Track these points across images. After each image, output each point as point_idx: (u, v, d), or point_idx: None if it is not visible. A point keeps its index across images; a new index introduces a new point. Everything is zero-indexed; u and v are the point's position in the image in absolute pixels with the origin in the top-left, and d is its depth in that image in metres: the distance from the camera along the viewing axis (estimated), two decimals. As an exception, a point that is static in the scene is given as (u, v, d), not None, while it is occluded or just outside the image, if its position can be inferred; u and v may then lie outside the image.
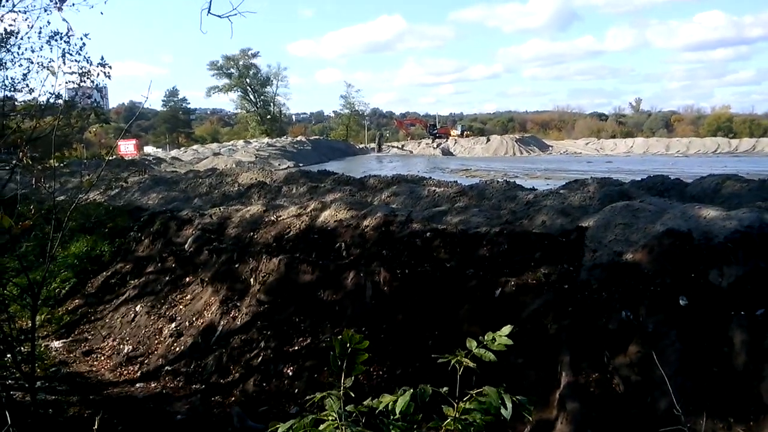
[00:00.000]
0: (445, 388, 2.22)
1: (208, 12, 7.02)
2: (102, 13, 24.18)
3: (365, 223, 11.00)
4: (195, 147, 72.30)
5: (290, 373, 8.94)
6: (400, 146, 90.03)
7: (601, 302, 7.79)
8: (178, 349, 10.54)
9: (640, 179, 13.67)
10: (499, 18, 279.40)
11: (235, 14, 6.82)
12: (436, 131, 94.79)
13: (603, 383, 7.11)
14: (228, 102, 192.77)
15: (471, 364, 2.19)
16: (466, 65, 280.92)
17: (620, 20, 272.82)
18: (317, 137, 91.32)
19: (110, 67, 11.81)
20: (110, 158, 8.65)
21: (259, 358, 9.43)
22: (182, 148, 74.80)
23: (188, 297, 11.88)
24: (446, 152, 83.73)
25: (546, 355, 7.53)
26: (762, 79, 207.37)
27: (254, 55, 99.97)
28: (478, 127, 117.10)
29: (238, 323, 10.22)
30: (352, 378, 2.30)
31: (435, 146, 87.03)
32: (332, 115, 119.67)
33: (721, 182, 11.49)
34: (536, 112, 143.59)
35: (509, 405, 2.12)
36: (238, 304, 10.66)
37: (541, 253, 8.96)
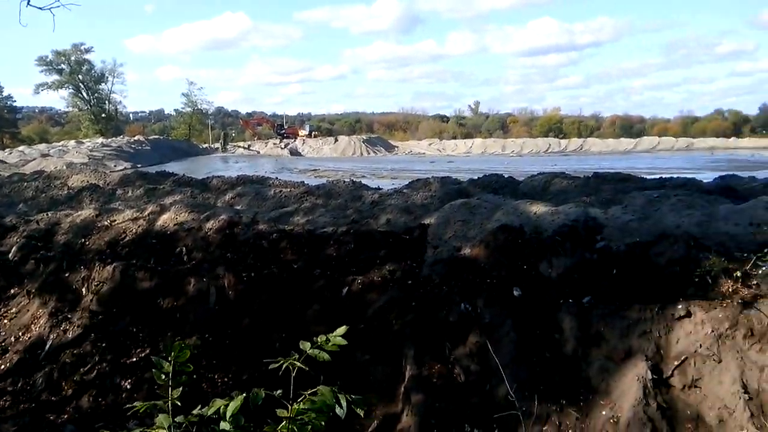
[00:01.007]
0: (278, 391, 2.17)
1: (28, 3, 6.50)
2: None
3: (208, 225, 10.63)
4: (21, 148, 66.38)
5: (128, 387, 8.44)
6: (246, 146, 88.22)
7: (442, 296, 8.06)
8: (2, 366, 9.62)
9: (477, 178, 14.37)
10: (346, 19, 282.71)
11: (58, 6, 6.36)
12: (283, 131, 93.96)
13: (445, 374, 7.36)
14: (59, 100, 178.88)
15: (303, 367, 2.15)
16: (312, 65, 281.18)
17: (461, 25, 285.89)
18: (157, 137, 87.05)
19: None
20: None
21: (94, 373, 8.81)
22: (7, 150, 68.47)
23: (13, 311, 10.86)
24: (294, 152, 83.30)
25: (391, 351, 7.68)
26: (590, 83, 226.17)
27: (87, 50, 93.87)
28: (326, 127, 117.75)
29: (70, 336, 9.48)
30: (180, 389, 2.18)
31: (283, 146, 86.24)
32: (173, 113, 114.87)
33: (550, 179, 12.35)
34: (382, 114, 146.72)
35: (344, 403, 2.10)
36: (70, 315, 9.89)
37: (386, 250, 9.13)
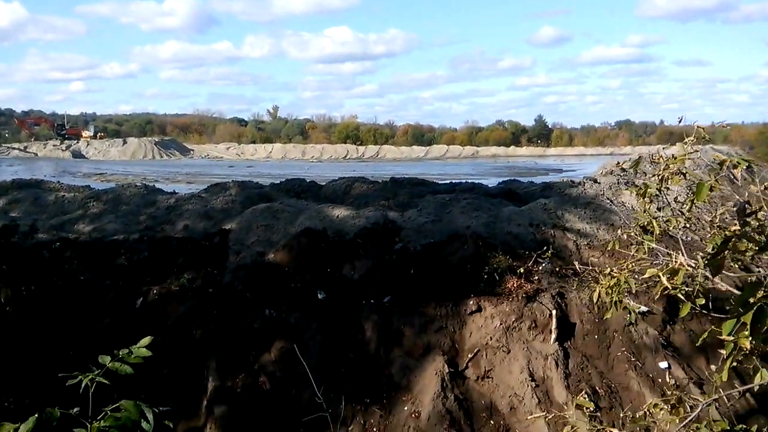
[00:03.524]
0: (75, 409, 1.93)
1: None
2: None
3: (-24, 235, 9.42)
4: None
5: None
6: (22, 148, 79.98)
7: (246, 303, 7.87)
8: None
9: (279, 182, 14.27)
10: (135, 15, 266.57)
11: None
12: (65, 132, 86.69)
13: (250, 383, 7.17)
14: None
15: (104, 381, 1.94)
16: (98, 62, 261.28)
17: (258, 29, 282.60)
18: None
19: None
20: None
21: None
22: None
23: None
24: (78, 155, 77.13)
25: (194, 362, 7.33)
26: (384, 92, 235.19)
27: None
28: (114, 128, 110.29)
29: None
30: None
31: (64, 148, 79.48)
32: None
33: (350, 184, 12.60)
34: (176, 115, 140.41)
35: (150, 417, 1.93)
36: None
37: (185, 258, 8.72)
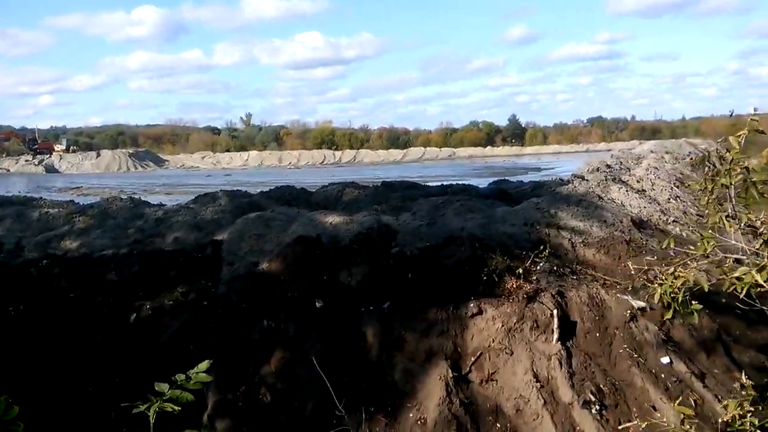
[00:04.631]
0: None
1: None
2: None
3: (-42, 255, 9.18)
4: None
5: None
6: (-7, 164, 78.76)
7: (243, 314, 7.74)
8: None
9: (269, 190, 14.11)
10: (102, 26, 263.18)
11: None
12: (36, 146, 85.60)
13: (251, 396, 7.06)
14: None
15: (172, 407, 1.86)
16: (67, 75, 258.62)
17: (228, 36, 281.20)
18: None
19: None
20: None
21: None
22: None
23: None
24: (51, 169, 76.13)
25: (192, 378, 7.20)
26: (357, 96, 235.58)
27: None
28: (85, 141, 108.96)
29: None
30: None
31: (37, 163, 78.43)
32: None
33: (342, 190, 12.53)
34: (148, 126, 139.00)
35: None
36: None
37: (177, 270, 8.58)
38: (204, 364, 1.98)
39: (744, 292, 2.71)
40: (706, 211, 3.22)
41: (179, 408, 1.89)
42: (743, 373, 3.58)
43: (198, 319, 7.76)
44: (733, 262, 2.99)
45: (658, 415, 6.34)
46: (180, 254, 8.90)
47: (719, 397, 6.49)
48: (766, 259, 2.66)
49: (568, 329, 7.13)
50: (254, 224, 9.19)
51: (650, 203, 11.62)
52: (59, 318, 7.92)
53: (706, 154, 3.23)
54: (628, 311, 7.23)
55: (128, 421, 7.32)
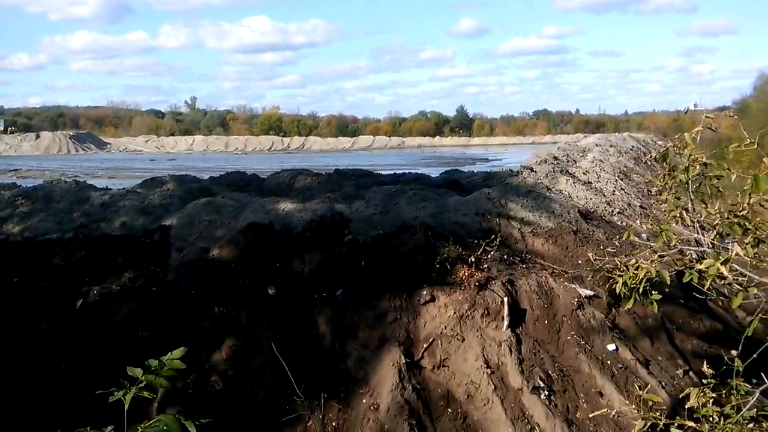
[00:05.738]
0: (109, 428, 1.81)
1: None
2: None
3: None
4: None
5: None
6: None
7: (193, 301, 7.63)
8: None
9: (219, 175, 13.88)
10: (43, 4, 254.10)
11: None
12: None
13: (201, 384, 6.97)
14: None
15: (146, 395, 1.83)
16: (4, 54, 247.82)
17: (174, 18, 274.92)
18: None
19: None
20: None
21: None
22: None
23: None
24: (-14, 151, 73.25)
25: (141, 364, 7.05)
26: (306, 83, 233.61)
27: None
28: (24, 122, 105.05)
29: None
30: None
31: (-28, 144, 75.35)
32: None
33: (294, 177, 12.41)
34: (89, 108, 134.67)
35: (193, 430, 1.82)
36: None
37: (125, 256, 8.39)
38: (178, 351, 1.94)
39: (708, 284, 2.82)
40: (664, 206, 3.33)
41: (155, 395, 1.85)
42: (705, 363, 3.70)
43: (147, 305, 7.61)
44: (696, 254, 3.10)
45: (604, 401, 6.60)
46: (127, 239, 8.70)
47: (663, 383, 6.75)
48: (728, 252, 2.77)
49: (518, 316, 7.28)
50: (205, 210, 9.04)
51: (596, 195, 11.93)
52: (1, 303, 7.65)
53: (666, 150, 3.34)
54: (576, 299, 7.42)
55: (72, 409, 7.15)
